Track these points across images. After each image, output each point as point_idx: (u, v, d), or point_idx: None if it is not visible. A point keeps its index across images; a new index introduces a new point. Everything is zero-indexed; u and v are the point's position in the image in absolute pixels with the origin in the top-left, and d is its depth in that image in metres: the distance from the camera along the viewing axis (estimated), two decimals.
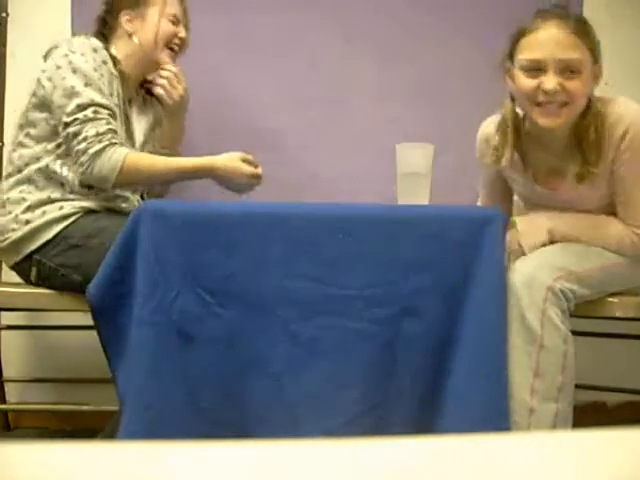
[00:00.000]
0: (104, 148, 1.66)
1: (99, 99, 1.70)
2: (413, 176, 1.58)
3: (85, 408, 2.06)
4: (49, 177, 1.72)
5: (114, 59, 1.80)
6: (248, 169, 1.74)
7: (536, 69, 1.54)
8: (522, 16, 2.17)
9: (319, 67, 2.20)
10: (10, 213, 1.72)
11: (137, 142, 1.87)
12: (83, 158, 1.66)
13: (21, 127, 1.79)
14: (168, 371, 1.38)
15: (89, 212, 1.72)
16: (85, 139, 1.66)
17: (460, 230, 1.44)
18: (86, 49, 1.74)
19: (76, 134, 1.67)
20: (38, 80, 1.76)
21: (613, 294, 1.64)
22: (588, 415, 2.06)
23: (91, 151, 1.66)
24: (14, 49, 2.15)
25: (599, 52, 1.57)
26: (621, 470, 0.46)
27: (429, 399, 1.43)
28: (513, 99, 1.64)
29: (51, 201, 1.71)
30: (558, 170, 1.64)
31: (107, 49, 1.80)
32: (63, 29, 2.15)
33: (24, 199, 1.72)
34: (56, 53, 1.75)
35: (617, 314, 1.66)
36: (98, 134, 1.67)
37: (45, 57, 1.80)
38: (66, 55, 1.72)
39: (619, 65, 1.98)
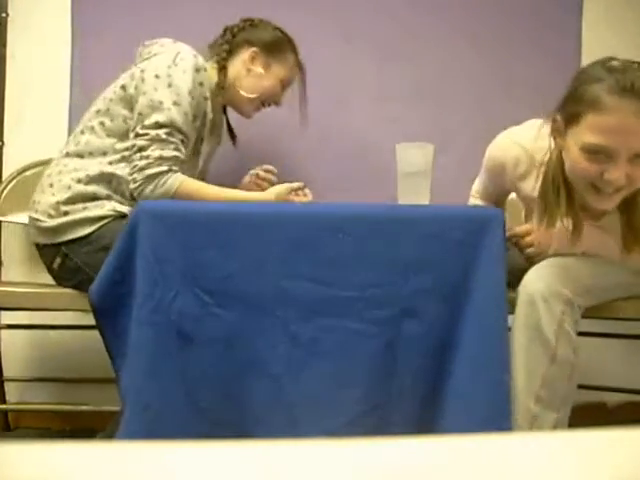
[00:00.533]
0: (160, 173, 1.65)
1: (179, 122, 1.67)
2: (413, 176, 1.57)
3: (85, 408, 2.06)
4: (103, 173, 1.70)
5: (218, 82, 1.79)
6: (298, 199, 1.76)
7: (600, 153, 1.37)
8: (522, 16, 2.16)
9: (319, 67, 2.20)
10: (54, 195, 1.71)
11: (200, 161, 1.85)
12: (138, 175, 1.65)
13: (98, 113, 1.75)
14: (167, 371, 1.38)
15: (123, 216, 1.70)
16: (147, 157, 1.65)
17: (460, 230, 1.44)
18: (189, 67, 1.70)
19: (141, 149, 1.66)
20: (132, 75, 1.73)
21: None
22: (588, 415, 2.06)
23: (147, 172, 1.65)
24: (14, 50, 2.15)
25: None
26: (621, 470, 0.46)
27: (430, 399, 1.42)
28: (560, 154, 1.48)
29: (93, 198, 1.69)
30: (594, 212, 1.57)
31: (221, 62, 1.81)
32: (63, 29, 2.15)
33: (70, 187, 1.70)
34: (160, 60, 1.72)
35: (618, 314, 1.66)
36: (161, 157, 1.65)
37: (146, 49, 1.78)
38: (169, 67, 1.69)
39: None
